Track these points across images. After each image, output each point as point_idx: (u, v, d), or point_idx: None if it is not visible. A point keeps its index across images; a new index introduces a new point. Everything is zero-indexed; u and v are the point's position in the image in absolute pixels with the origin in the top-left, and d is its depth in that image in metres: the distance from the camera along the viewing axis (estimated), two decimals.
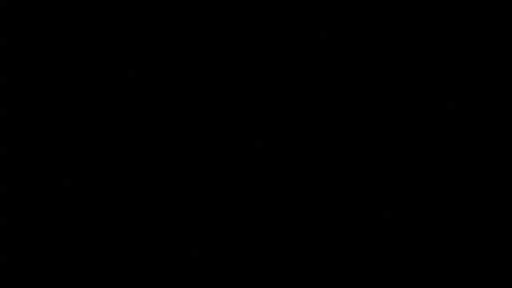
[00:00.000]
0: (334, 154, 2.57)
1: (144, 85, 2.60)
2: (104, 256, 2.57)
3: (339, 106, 2.58)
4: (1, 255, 2.57)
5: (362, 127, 2.57)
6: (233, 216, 2.57)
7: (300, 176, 2.57)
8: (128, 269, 2.57)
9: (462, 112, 2.56)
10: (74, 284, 2.56)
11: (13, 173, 2.58)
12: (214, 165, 2.58)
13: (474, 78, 2.57)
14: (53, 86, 2.60)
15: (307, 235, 2.56)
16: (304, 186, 2.57)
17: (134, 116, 2.59)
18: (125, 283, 2.56)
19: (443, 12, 2.58)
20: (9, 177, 2.58)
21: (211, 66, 2.60)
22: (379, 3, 2.58)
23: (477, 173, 2.55)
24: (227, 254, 2.57)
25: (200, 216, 2.57)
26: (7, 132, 2.60)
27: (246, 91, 2.59)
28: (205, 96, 2.60)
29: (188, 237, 2.57)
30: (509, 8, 2.57)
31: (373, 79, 2.58)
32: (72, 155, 2.59)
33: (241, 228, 2.57)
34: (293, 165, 2.58)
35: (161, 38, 2.61)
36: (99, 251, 2.57)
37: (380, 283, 2.55)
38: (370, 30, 2.58)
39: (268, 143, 2.58)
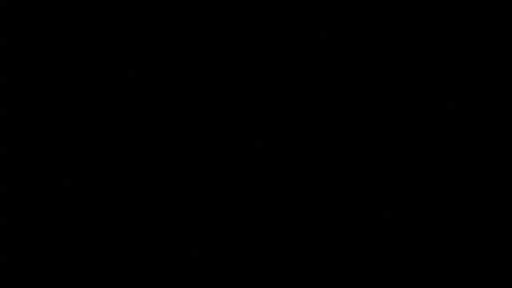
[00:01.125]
0: (334, 154, 2.57)
1: (144, 85, 2.60)
2: (104, 256, 2.57)
3: (339, 106, 2.58)
4: (1, 255, 2.57)
5: (362, 127, 2.57)
6: (233, 216, 2.57)
7: (300, 176, 2.57)
8: (128, 269, 2.57)
9: (462, 112, 2.56)
10: (74, 284, 2.56)
11: (13, 173, 2.58)
12: (214, 165, 2.58)
13: (474, 78, 2.57)
14: (53, 86, 2.60)
15: (307, 235, 2.56)
16: (304, 186, 2.57)
17: (134, 116, 2.60)
18: (125, 283, 2.56)
19: (443, 12, 2.58)
20: (9, 177, 2.58)
21: (211, 66, 2.60)
22: (379, 3, 2.59)
23: (477, 173, 2.55)
24: (227, 254, 2.57)
25: (200, 216, 2.57)
26: (7, 132, 2.60)
27: (246, 91, 2.59)
28: (205, 96, 2.60)
29: (188, 237, 2.57)
30: (509, 8, 2.57)
31: (373, 79, 2.58)
32: (72, 155, 2.59)
33: (241, 228, 2.57)
34: (293, 165, 2.58)
35: (161, 38, 2.61)
36: (99, 251, 2.57)
37: (380, 283, 2.55)
38: (370, 30, 2.58)
39: (268, 143, 2.58)
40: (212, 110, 2.59)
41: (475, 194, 2.55)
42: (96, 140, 2.59)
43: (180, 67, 2.60)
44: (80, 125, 2.59)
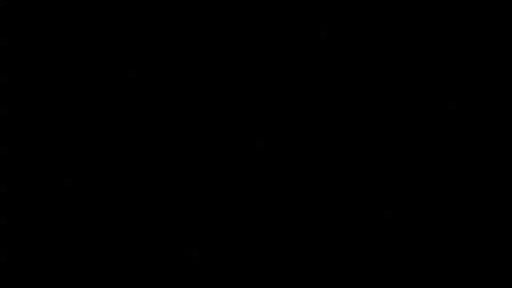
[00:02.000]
0: (334, 154, 2.57)
1: (144, 85, 2.60)
2: (104, 256, 2.57)
3: (339, 106, 2.58)
4: (1, 255, 2.57)
5: (362, 127, 2.57)
6: (233, 216, 2.57)
7: (300, 176, 2.57)
8: (128, 269, 2.57)
9: (462, 112, 2.56)
10: (74, 284, 2.56)
11: (13, 173, 2.58)
12: (214, 165, 2.58)
13: (474, 78, 2.57)
14: (53, 86, 2.60)
15: (307, 235, 2.56)
16: (304, 186, 2.57)
17: (134, 116, 2.60)
18: (125, 283, 2.56)
19: (443, 12, 2.58)
20: (9, 177, 2.58)
21: (211, 66, 2.60)
22: (379, 3, 2.59)
23: (477, 173, 2.55)
24: (227, 254, 2.57)
25: (200, 216, 2.57)
26: (7, 132, 2.60)
27: (246, 91, 2.59)
28: (205, 96, 2.60)
29: (188, 237, 2.57)
30: (509, 8, 2.57)
31: (373, 79, 2.58)
32: (72, 155, 2.59)
33: (241, 228, 2.57)
34: (293, 165, 2.58)
35: (161, 38, 2.61)
36: (99, 251, 2.57)
37: (380, 283, 2.55)
38: (370, 30, 2.58)
39: (268, 143, 2.58)
40: (212, 110, 2.59)
41: (475, 194, 2.55)
42: (96, 140, 2.59)
43: (180, 67, 2.60)
44: (80, 125, 2.59)
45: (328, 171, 2.57)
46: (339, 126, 2.58)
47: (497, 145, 2.56)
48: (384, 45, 2.58)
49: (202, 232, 2.57)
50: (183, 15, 2.61)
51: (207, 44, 2.60)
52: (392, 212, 2.55)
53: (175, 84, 2.60)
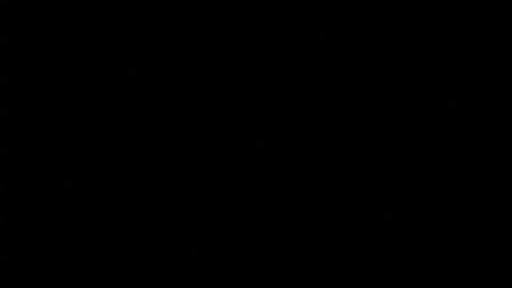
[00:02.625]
0: (334, 154, 2.57)
1: (144, 85, 2.60)
2: (104, 256, 2.57)
3: (339, 106, 2.58)
4: (1, 255, 2.57)
5: (362, 127, 2.57)
6: (233, 216, 2.57)
7: (300, 176, 2.57)
8: (128, 269, 2.57)
9: (462, 112, 2.56)
10: (74, 284, 2.56)
11: (13, 173, 2.58)
12: (214, 165, 2.58)
13: (474, 78, 2.57)
14: (53, 86, 2.60)
15: (307, 235, 2.56)
16: (304, 186, 2.57)
17: (134, 116, 2.60)
18: (125, 283, 2.56)
19: (443, 12, 2.58)
20: (9, 177, 2.58)
21: (211, 66, 2.60)
22: (379, 3, 2.59)
23: (477, 173, 2.55)
24: (227, 254, 2.57)
25: (200, 216, 2.57)
26: (7, 132, 2.60)
27: (246, 91, 2.59)
28: (205, 96, 2.60)
29: (188, 237, 2.57)
30: (509, 8, 2.57)
31: (373, 79, 2.58)
32: (72, 155, 2.59)
33: (241, 228, 2.57)
34: (293, 165, 2.58)
35: (161, 38, 2.61)
36: (99, 251, 2.57)
37: (380, 283, 2.55)
38: (370, 30, 2.58)
39: (268, 143, 2.58)
40: (212, 110, 2.59)
41: (475, 194, 2.55)
42: (96, 140, 2.59)
43: (180, 67, 2.60)
44: (80, 125, 2.59)
45: (328, 171, 2.57)
46: (339, 126, 2.58)
47: (497, 145, 2.56)
48: (384, 45, 2.58)
49: (202, 232, 2.57)
50: (183, 15, 2.61)
51: (207, 44, 2.60)
52: (392, 212, 2.55)
53: (175, 84, 2.60)
